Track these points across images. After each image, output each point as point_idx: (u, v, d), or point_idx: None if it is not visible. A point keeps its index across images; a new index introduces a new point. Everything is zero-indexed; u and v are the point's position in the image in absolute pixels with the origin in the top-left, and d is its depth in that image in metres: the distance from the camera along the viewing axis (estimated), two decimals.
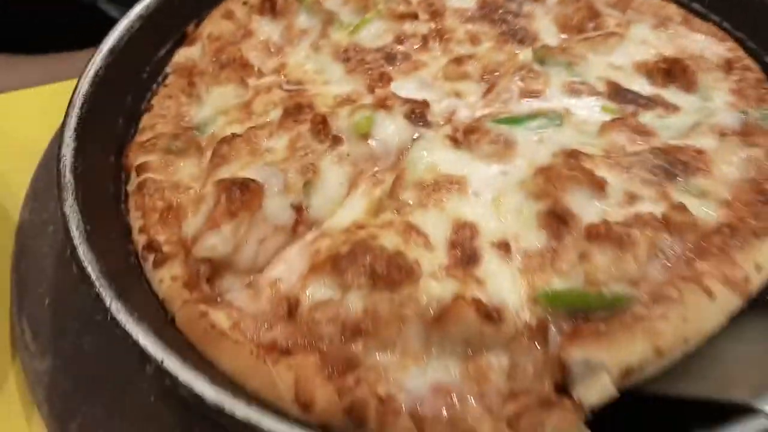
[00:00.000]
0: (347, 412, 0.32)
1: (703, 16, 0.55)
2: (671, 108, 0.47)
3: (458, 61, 0.52)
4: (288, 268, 0.39)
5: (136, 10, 0.49)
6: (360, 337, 0.35)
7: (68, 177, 0.38)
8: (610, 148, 0.43)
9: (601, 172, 0.40)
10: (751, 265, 0.35)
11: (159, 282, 0.38)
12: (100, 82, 0.45)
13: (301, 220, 0.41)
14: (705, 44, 0.53)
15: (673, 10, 0.56)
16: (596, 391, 0.32)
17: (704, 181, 0.40)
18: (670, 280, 0.34)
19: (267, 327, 0.36)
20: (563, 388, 0.33)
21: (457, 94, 0.49)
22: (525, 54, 0.52)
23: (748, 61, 0.52)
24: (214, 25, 0.53)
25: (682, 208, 0.37)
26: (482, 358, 0.34)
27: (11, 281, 0.45)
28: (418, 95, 0.49)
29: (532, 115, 0.46)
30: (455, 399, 0.33)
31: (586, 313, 0.34)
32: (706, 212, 0.38)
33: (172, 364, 0.30)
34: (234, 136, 0.43)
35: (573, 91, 0.48)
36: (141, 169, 0.43)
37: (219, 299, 0.38)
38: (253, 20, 0.54)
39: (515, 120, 0.46)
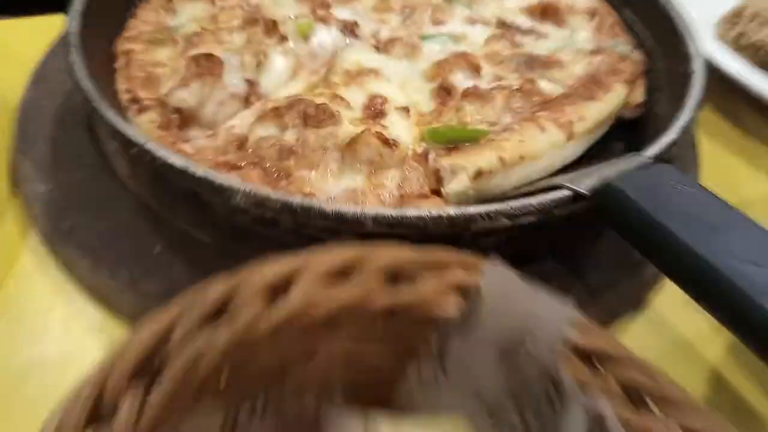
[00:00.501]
0: None
1: None
2: (543, 36, 0.62)
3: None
4: (240, 121, 0.51)
5: None
6: (292, 157, 0.47)
7: (75, 46, 0.50)
8: (490, 53, 0.57)
9: (480, 62, 0.54)
10: (575, 115, 0.49)
11: (139, 123, 0.50)
12: None
13: (252, 92, 0.53)
14: None
15: None
16: (456, 185, 0.45)
17: (557, 72, 0.55)
18: (516, 121, 0.48)
19: (222, 154, 0.48)
20: (439, 193, 0.46)
21: (382, 21, 0.64)
22: None
23: (609, 10, 0.68)
24: None
25: (533, 81, 0.52)
26: (381, 173, 0.47)
27: (14, 137, 0.56)
28: (351, 18, 0.63)
29: (437, 35, 0.61)
30: (359, 198, 0.45)
31: (455, 142, 0.47)
32: (552, 87, 0.52)
33: (152, 146, 0.42)
34: (203, 29, 0.56)
35: (470, 21, 0.63)
36: (127, 52, 0.55)
37: (186, 140, 0.50)
38: None
39: (424, 37, 0.60)
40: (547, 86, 0.52)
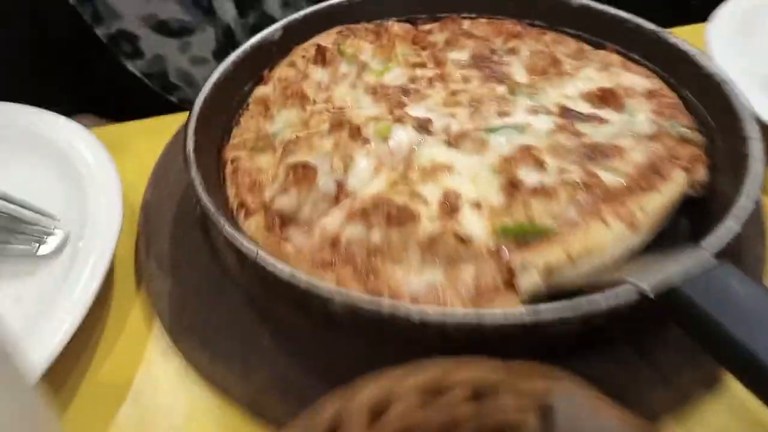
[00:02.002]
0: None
1: (637, 61, 0.73)
2: (603, 121, 0.64)
3: (454, 93, 0.70)
4: (332, 220, 0.56)
5: (231, 59, 0.69)
6: (379, 255, 0.50)
7: (192, 157, 0.57)
8: (554, 144, 0.59)
9: (544, 157, 0.57)
10: (636, 207, 0.51)
11: (248, 227, 0.56)
12: (206, 106, 0.65)
13: (341, 191, 0.58)
14: (634, 80, 0.70)
15: (615, 58, 0.73)
16: (528, 280, 0.47)
17: (617, 162, 0.56)
18: (581, 216, 0.50)
19: (318, 252, 0.53)
20: (511, 285, 0.49)
21: (452, 115, 0.67)
22: (500, 89, 0.70)
23: (667, 92, 0.68)
24: (282, 71, 0.72)
25: (595, 175, 0.54)
26: (458, 268, 0.49)
27: (139, 236, 0.63)
28: (424, 116, 0.67)
29: (503, 127, 0.64)
30: (440, 292, 0.48)
31: (525, 238, 0.50)
32: (613, 179, 0.54)
33: (265, 256, 0.47)
34: (297, 138, 0.62)
35: (533, 111, 0.65)
36: (234, 160, 0.61)
37: (286, 239, 0.56)
38: (309, 68, 0.73)
39: (491, 129, 0.64)
40: (607, 177, 0.54)
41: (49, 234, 0.59)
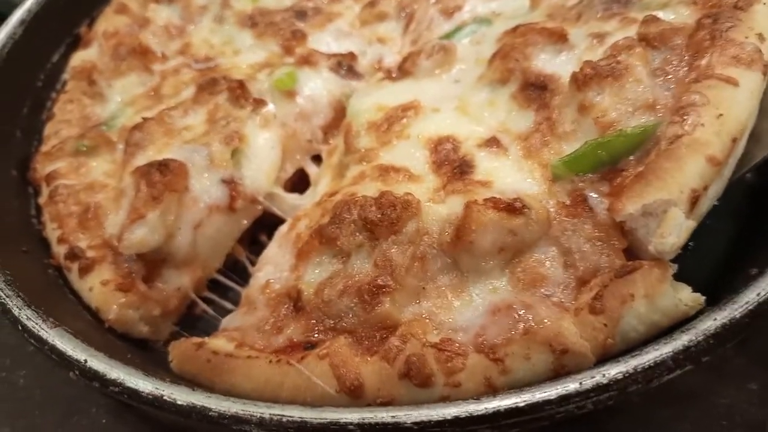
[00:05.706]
0: (405, 376, 0.25)
1: None
2: None
3: (372, 3, 0.48)
4: (274, 266, 0.31)
5: (17, 16, 0.43)
6: (384, 295, 0.28)
7: None
8: (551, 12, 0.37)
9: (551, 26, 0.36)
10: (753, 36, 0.30)
11: (89, 291, 0.31)
12: None
13: (237, 195, 0.35)
14: None
15: None
16: (672, 231, 0.26)
17: None
18: (685, 88, 0.29)
19: (276, 331, 0.29)
20: (632, 252, 0.28)
21: (380, 40, 0.44)
22: None
23: None
24: (108, 21, 0.46)
25: (653, 19, 0.32)
26: (528, 259, 0.28)
27: None
28: (340, 47, 0.46)
29: (460, 27, 0.42)
30: (520, 312, 0.26)
31: (616, 163, 0.28)
32: (677, 16, 0.33)
33: (98, 363, 0.27)
34: (145, 120, 0.39)
35: None
36: (50, 177, 0.36)
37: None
38: (149, 9, 0.47)
39: (445, 36, 0.42)
40: (671, 17, 0.33)
41: None
